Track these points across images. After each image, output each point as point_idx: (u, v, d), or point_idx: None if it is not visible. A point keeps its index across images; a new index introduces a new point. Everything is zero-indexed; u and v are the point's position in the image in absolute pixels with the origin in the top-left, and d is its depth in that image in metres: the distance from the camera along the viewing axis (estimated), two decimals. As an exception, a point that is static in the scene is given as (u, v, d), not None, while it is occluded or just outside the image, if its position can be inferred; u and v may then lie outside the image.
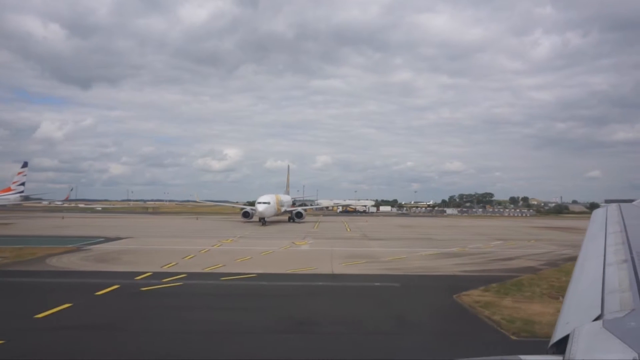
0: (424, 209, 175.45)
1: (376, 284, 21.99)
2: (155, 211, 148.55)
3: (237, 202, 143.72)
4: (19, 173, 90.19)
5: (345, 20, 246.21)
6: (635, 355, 1.94)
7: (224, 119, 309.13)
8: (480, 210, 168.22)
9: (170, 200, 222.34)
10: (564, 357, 2.16)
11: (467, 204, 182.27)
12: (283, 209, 75.84)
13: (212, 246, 37.88)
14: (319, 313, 16.36)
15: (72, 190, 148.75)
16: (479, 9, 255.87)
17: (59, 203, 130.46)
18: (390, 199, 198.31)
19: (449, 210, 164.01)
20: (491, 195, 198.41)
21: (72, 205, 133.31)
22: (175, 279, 22.36)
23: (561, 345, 2.41)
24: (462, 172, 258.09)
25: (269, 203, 66.45)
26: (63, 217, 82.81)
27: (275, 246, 38.04)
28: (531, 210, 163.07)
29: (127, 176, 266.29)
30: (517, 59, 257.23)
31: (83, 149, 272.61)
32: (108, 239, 42.78)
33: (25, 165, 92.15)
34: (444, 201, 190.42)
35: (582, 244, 5.18)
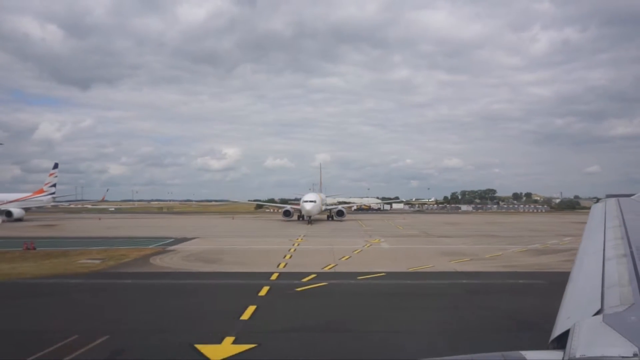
0: (434, 205, 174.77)
1: (520, 281, 21.94)
2: (170, 211, 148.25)
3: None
4: (51, 174, 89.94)
5: (343, 18, 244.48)
6: (636, 349, 1.95)
7: (222, 118, 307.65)
8: (494, 206, 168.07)
9: (170, 200, 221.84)
10: (564, 352, 2.16)
11: (477, 200, 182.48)
12: (324, 208, 75.80)
13: (293, 245, 37.82)
14: (523, 312, 15.91)
15: (107, 191, 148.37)
16: (478, 5, 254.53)
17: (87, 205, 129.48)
18: (389, 196, 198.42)
19: (463, 207, 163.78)
20: (494, 191, 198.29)
21: (79, 206, 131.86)
22: (310, 279, 22.24)
23: (562, 340, 2.40)
24: (460, 168, 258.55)
25: (315, 202, 66.28)
26: (100, 218, 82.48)
27: (355, 244, 38.02)
28: (545, 206, 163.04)
29: (126, 176, 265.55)
30: (516, 55, 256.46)
31: (82, 149, 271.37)
32: (178, 240, 42.67)
33: (56, 166, 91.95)
34: (445, 198, 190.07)
35: (582, 239, 5.17)
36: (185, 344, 12.25)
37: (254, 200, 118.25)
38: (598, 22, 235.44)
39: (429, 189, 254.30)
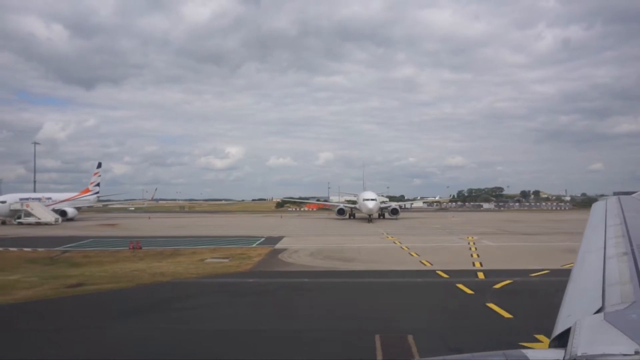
0: (453, 203, 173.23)
1: None
2: (192, 210, 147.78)
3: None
4: (95, 174, 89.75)
5: (348, 16, 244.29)
6: (637, 347, 1.94)
7: (226, 117, 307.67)
8: (516, 204, 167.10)
9: (173, 199, 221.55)
10: (565, 350, 2.16)
11: (492, 198, 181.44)
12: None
13: (395, 243, 37.35)
14: None
15: (156, 190, 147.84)
16: (482, 3, 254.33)
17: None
18: (392, 195, 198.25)
19: (485, 205, 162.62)
20: (501, 189, 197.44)
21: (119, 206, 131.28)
22: (484, 278, 21.67)
23: (563, 339, 2.39)
24: (463, 167, 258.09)
25: (376, 200, 65.78)
26: (150, 217, 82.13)
27: (460, 242, 37.70)
28: (568, 204, 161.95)
29: (129, 176, 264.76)
30: (520, 53, 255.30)
31: (86, 149, 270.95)
32: (272, 238, 42.34)
33: (99, 165, 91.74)
34: (453, 196, 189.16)
35: (583, 237, 5.14)
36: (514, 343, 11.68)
37: (258, 199, 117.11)
38: (603, 19, 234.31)
39: (448, 187, 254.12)
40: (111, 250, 34.85)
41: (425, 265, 25.94)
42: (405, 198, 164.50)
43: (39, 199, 68.89)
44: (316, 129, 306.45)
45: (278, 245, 35.98)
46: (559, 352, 2.21)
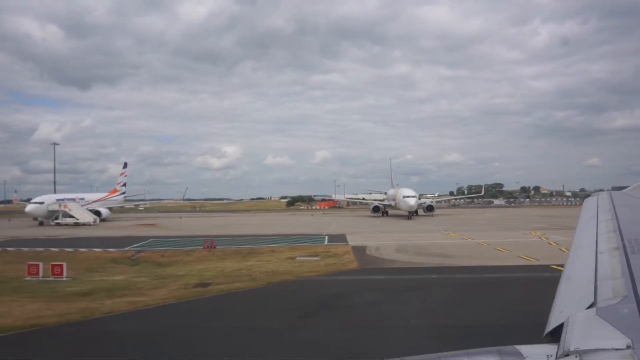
0: (462, 200, 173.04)
1: None
2: (203, 209, 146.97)
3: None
4: (122, 174, 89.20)
5: (344, 14, 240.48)
6: (629, 341, 1.98)
7: (222, 116, 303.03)
8: (527, 200, 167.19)
9: (170, 199, 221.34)
10: (559, 345, 2.18)
11: (498, 194, 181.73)
12: (416, 203, 74.76)
13: (465, 240, 37.12)
14: None
15: (187, 189, 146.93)
16: (478, 0, 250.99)
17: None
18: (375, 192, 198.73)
19: (495, 201, 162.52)
20: (501, 185, 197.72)
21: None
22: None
23: (556, 334, 2.42)
24: (460, 163, 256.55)
25: (416, 197, 65.41)
26: (181, 217, 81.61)
27: (526, 237, 37.57)
28: (577, 199, 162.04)
29: (126, 176, 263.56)
30: (516, 49, 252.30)
31: (82, 149, 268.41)
32: (334, 236, 42.06)
33: (125, 166, 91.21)
34: (451, 193, 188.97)
35: (575, 233, 5.19)
36: None
37: (257, 198, 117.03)
38: (599, 14, 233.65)
39: (458, 184, 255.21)
40: (186, 250, 34.45)
41: (529, 260, 25.71)
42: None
43: (73, 200, 68.28)
44: (313, 127, 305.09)
45: (352, 243, 35.60)
46: (552, 347, 2.23)
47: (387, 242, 35.99)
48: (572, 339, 2.19)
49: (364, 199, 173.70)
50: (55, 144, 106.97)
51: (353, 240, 37.37)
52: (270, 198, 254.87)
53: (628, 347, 1.97)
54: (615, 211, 5.78)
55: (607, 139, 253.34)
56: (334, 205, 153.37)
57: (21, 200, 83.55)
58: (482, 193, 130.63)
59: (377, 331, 13.09)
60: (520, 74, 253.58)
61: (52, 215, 64.39)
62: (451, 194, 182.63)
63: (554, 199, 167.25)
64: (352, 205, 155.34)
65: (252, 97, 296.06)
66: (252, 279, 21.60)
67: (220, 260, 30.35)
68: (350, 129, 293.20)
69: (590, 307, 2.67)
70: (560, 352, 2.12)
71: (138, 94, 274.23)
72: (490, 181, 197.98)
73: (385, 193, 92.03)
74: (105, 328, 14.22)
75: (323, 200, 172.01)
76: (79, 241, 41.62)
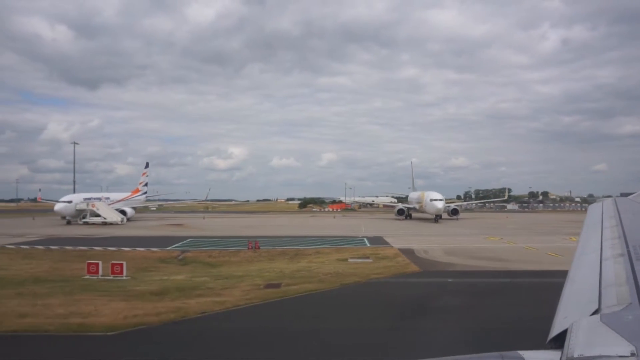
0: (474, 204, 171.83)
1: None
2: (216, 210, 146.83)
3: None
4: (143, 174, 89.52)
5: (352, 17, 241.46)
6: (633, 348, 1.94)
7: (229, 118, 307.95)
8: (540, 205, 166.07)
9: (176, 200, 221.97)
10: (562, 352, 2.16)
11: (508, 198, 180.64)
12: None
13: (507, 244, 36.75)
14: None
15: (210, 190, 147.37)
16: (487, 4, 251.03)
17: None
18: (397, 195, 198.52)
19: (509, 206, 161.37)
20: (509, 190, 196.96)
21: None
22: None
23: (559, 340, 2.40)
24: (467, 167, 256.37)
25: (443, 200, 65.02)
26: (204, 218, 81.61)
27: (572, 242, 36.86)
28: (587, 205, 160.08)
29: (132, 176, 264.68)
30: (524, 53, 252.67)
31: (89, 149, 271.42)
32: (373, 238, 41.86)
33: (147, 165, 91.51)
34: (458, 197, 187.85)
35: (579, 239, 5.17)
36: None
37: (263, 200, 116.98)
38: (607, 20, 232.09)
39: (470, 187, 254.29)
40: (231, 250, 34.31)
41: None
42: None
43: (99, 199, 68.44)
44: (319, 129, 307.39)
45: (396, 245, 35.28)
46: (555, 354, 2.20)
47: (430, 245, 35.65)
48: (576, 346, 2.16)
49: (373, 201, 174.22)
50: (75, 143, 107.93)
51: (395, 243, 37.06)
52: (277, 200, 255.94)
53: (632, 354, 1.92)
54: (620, 217, 5.70)
55: (614, 145, 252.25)
56: (346, 208, 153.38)
57: (46, 200, 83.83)
58: (507, 197, 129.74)
59: (496, 332, 12.81)
60: (527, 78, 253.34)
61: (80, 214, 64.57)
62: (458, 197, 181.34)
63: (566, 204, 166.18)
64: (364, 207, 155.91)
65: (259, 98, 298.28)
66: (320, 281, 21.36)
67: (269, 261, 30.19)
68: (356, 131, 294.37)
69: (594, 313, 2.65)
70: (564, 358, 2.10)
71: (145, 95, 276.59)
72: (496, 186, 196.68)
73: (406, 196, 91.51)
74: (211, 327, 14.12)
75: (334, 202, 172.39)
76: (117, 241, 41.63)
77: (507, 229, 53.19)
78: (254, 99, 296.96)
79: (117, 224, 62.64)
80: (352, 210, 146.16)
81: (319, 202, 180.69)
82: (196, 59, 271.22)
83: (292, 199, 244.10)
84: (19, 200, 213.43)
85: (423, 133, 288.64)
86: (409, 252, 31.21)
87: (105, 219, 63.58)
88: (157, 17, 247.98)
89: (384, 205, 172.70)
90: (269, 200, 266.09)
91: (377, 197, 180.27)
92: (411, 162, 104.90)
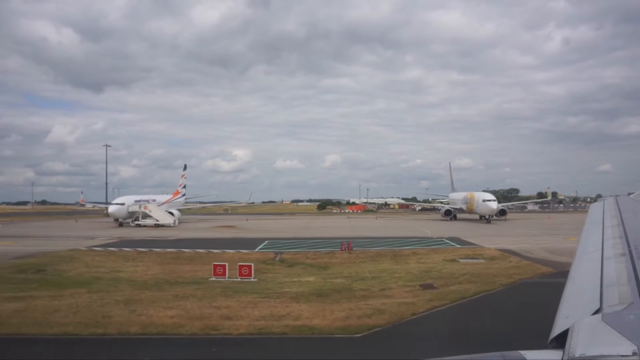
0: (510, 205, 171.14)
1: None
2: (236, 212, 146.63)
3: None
4: (182, 176, 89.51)
5: (356, 18, 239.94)
6: (635, 348, 1.94)
7: (233, 120, 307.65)
8: (561, 205, 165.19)
9: (231, 202, 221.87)
10: (564, 351, 2.16)
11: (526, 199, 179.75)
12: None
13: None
14: None
15: (252, 194, 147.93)
16: (492, 5, 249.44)
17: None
18: (397, 196, 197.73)
19: (529, 206, 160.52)
20: (517, 190, 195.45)
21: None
22: None
23: (561, 340, 2.39)
24: (471, 168, 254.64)
25: (496, 200, 64.49)
26: (247, 219, 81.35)
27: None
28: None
29: (137, 179, 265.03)
30: (529, 54, 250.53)
31: (94, 152, 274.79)
32: (452, 239, 41.37)
33: (185, 168, 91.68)
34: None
35: (580, 238, 5.11)
36: None
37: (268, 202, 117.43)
38: (613, 19, 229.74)
39: (426, 188, 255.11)
40: (324, 252, 33.95)
41: None
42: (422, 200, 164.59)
43: (147, 201, 68.31)
44: (323, 131, 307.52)
45: (491, 246, 34.74)
46: (557, 353, 2.20)
47: (522, 245, 35.22)
48: (578, 345, 2.16)
49: (386, 202, 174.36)
50: (107, 145, 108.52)
51: (484, 243, 36.62)
52: (282, 201, 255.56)
53: (634, 353, 1.92)
54: (621, 217, 5.68)
55: (620, 145, 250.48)
56: (366, 209, 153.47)
57: (95, 202, 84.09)
58: (549, 198, 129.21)
59: None
60: (532, 79, 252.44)
61: (132, 216, 64.51)
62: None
63: (584, 205, 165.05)
64: (383, 208, 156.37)
65: (263, 100, 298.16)
66: (468, 282, 21.01)
67: (373, 262, 29.84)
68: (360, 133, 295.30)
69: (595, 313, 2.64)
70: (565, 358, 2.10)
71: (150, 97, 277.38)
72: (502, 186, 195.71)
73: (447, 197, 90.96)
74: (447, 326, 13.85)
75: (349, 204, 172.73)
76: (190, 243, 41.42)
77: (565, 229, 52.43)
78: (258, 101, 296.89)
79: (169, 226, 62.45)
80: (371, 211, 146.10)
81: (335, 203, 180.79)
82: (201, 62, 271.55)
83: (300, 201, 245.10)
84: (25, 202, 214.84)
85: (427, 134, 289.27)
86: (512, 253, 30.78)
87: (157, 220, 63.44)
88: (162, 19, 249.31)
89: (400, 206, 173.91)
90: (274, 202, 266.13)
91: (383, 198, 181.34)
92: (449, 164, 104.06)
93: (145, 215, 64.31)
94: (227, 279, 23.74)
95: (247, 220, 78.62)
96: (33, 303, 17.67)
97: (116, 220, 64.65)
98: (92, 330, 14.07)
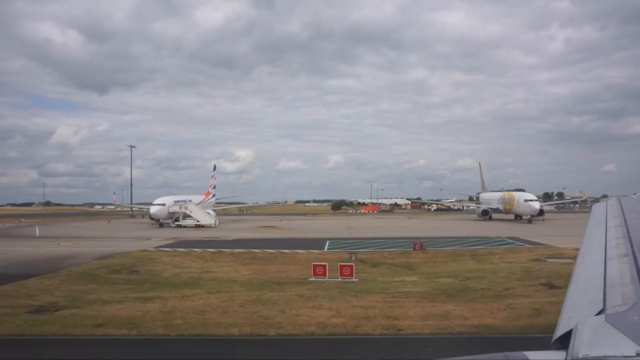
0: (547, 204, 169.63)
1: None
2: (250, 212, 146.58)
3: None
4: (212, 176, 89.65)
5: (360, 19, 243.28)
6: (639, 348, 1.93)
7: (237, 121, 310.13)
8: (577, 206, 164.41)
9: (243, 203, 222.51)
10: (567, 352, 2.15)
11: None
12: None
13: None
14: None
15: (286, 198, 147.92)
16: (495, 5, 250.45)
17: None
18: (401, 197, 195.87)
19: (545, 207, 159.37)
20: (522, 191, 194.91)
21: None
22: None
23: (564, 340, 2.39)
24: (474, 168, 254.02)
25: (538, 200, 64.28)
26: (281, 220, 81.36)
27: None
28: None
29: (140, 179, 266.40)
30: (533, 54, 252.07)
31: (98, 153, 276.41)
32: (520, 239, 41.22)
33: (215, 168, 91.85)
34: (471, 198, 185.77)
35: (583, 239, 5.08)
36: None
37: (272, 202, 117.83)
38: (617, 20, 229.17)
39: (441, 189, 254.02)
40: (398, 251, 33.86)
41: None
42: (421, 200, 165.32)
43: (184, 202, 68.34)
44: (327, 132, 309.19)
45: (563, 246, 34.51)
46: (560, 354, 2.19)
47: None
48: (581, 346, 2.15)
49: (395, 203, 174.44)
50: (132, 146, 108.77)
51: (554, 243, 36.43)
52: (286, 202, 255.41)
53: (638, 354, 1.91)
54: (624, 217, 5.65)
55: (624, 145, 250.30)
56: (381, 210, 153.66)
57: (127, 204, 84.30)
58: (585, 198, 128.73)
59: None
60: (536, 79, 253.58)
61: (172, 216, 64.53)
62: (470, 199, 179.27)
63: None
64: (395, 208, 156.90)
65: (266, 101, 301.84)
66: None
67: (455, 262, 29.75)
68: (364, 133, 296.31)
69: (599, 313, 2.63)
70: (569, 358, 2.09)
71: (154, 99, 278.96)
72: (505, 187, 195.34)
73: (477, 196, 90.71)
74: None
75: (364, 204, 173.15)
76: (246, 243, 41.33)
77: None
78: (262, 102, 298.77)
79: (210, 227, 62.38)
80: (387, 211, 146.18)
81: (349, 204, 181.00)
82: (205, 63, 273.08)
83: (304, 202, 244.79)
84: (30, 203, 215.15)
85: (430, 135, 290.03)
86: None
87: (198, 221, 63.40)
88: (166, 21, 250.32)
89: (411, 206, 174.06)
90: (278, 202, 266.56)
91: (389, 198, 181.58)
92: (479, 164, 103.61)
93: (185, 216, 64.36)
94: (327, 279, 23.67)
95: (281, 220, 78.58)
96: (167, 303, 17.63)
97: (157, 220, 64.65)
98: (258, 330, 13.98)
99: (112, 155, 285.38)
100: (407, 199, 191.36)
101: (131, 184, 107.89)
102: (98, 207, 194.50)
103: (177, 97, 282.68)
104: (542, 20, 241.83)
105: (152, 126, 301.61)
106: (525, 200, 64.13)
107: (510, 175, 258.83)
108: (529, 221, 63.80)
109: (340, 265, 24.36)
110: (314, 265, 24.60)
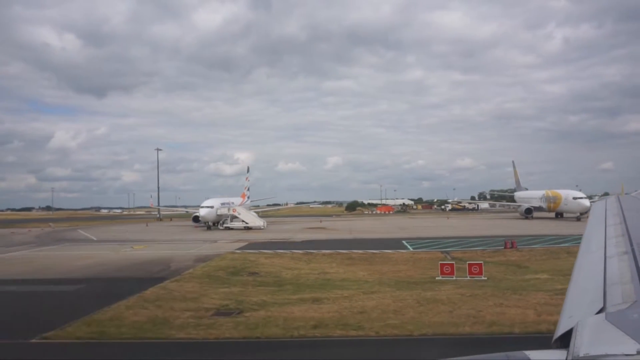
0: (509, 204, 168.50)
1: None
2: (265, 214, 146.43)
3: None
4: (246, 179, 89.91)
5: (358, 20, 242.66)
6: (639, 346, 1.93)
7: (235, 123, 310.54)
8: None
9: (184, 206, 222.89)
10: (568, 351, 2.16)
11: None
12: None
13: None
14: None
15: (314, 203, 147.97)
16: (493, 5, 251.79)
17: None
18: (401, 197, 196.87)
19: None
20: (525, 189, 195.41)
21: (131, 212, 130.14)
22: None
23: (565, 339, 2.39)
24: (472, 168, 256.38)
25: (587, 198, 64.40)
26: (321, 221, 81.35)
27: None
28: None
29: (139, 183, 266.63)
30: (530, 53, 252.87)
31: (96, 157, 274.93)
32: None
33: (248, 170, 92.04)
34: (472, 198, 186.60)
35: (583, 237, 5.12)
36: None
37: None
38: (614, 17, 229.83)
39: (454, 189, 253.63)
40: (491, 250, 33.89)
41: None
42: (421, 200, 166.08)
43: (229, 204, 68.33)
44: (325, 133, 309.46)
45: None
46: (561, 353, 2.20)
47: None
48: (582, 345, 2.15)
49: (404, 204, 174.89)
50: (158, 149, 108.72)
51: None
52: (287, 204, 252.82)
53: (638, 352, 1.91)
54: (623, 215, 5.67)
55: (622, 143, 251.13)
56: (396, 210, 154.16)
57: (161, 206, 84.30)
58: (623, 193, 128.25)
59: None
60: (533, 78, 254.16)
61: (220, 219, 64.52)
62: (472, 198, 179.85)
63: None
64: (408, 209, 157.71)
65: (265, 103, 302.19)
66: None
67: (556, 259, 29.67)
68: (362, 135, 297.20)
69: (599, 312, 2.63)
70: (570, 357, 2.10)
71: (152, 102, 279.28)
72: (503, 186, 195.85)
73: (513, 194, 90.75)
74: None
75: (379, 205, 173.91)
76: (319, 244, 41.33)
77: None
78: (260, 104, 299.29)
79: (259, 229, 62.28)
80: (403, 212, 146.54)
81: (361, 204, 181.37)
82: (203, 65, 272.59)
83: (303, 203, 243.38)
84: (30, 208, 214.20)
85: (428, 135, 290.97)
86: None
87: (247, 223, 63.40)
88: (164, 24, 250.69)
89: (423, 207, 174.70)
90: (279, 204, 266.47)
91: (393, 199, 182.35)
92: (512, 162, 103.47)
93: (233, 218, 64.33)
94: (455, 278, 23.67)
95: (321, 222, 78.70)
96: (341, 304, 17.64)
97: (205, 223, 64.57)
98: (494, 329, 13.93)
99: (110, 159, 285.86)
100: (410, 199, 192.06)
101: (158, 187, 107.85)
102: (104, 211, 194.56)
103: (175, 100, 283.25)
104: (539, 19, 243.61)
105: (150, 129, 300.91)
106: (574, 198, 64.26)
107: (509, 174, 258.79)
108: (578, 219, 63.78)
109: (469, 264, 24.37)
110: (441, 264, 24.66)
